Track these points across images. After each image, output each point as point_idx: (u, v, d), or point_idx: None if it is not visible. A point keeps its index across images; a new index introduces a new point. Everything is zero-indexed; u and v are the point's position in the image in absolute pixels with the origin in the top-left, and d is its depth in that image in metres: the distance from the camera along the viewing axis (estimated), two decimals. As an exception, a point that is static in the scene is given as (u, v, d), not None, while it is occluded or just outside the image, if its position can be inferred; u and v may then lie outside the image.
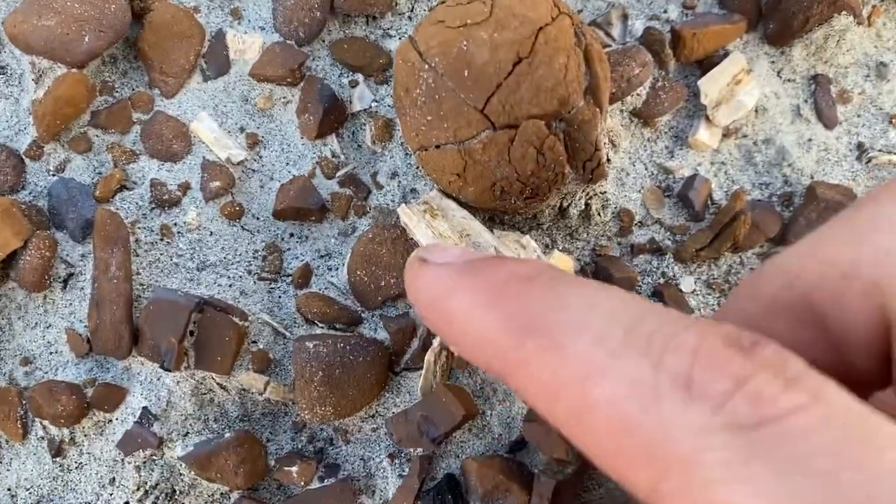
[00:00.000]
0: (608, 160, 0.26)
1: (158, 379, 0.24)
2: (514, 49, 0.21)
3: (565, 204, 0.25)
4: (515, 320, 0.13)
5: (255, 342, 0.24)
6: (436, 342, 0.23)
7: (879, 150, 0.29)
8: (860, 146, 0.29)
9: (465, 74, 0.22)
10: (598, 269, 0.25)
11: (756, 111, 0.27)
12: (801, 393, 0.10)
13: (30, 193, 0.26)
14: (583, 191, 0.25)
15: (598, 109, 0.22)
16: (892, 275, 0.12)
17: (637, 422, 0.11)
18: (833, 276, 0.13)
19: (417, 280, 0.15)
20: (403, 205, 0.23)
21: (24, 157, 0.26)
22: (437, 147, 0.22)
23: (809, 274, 0.13)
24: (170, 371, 0.23)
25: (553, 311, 0.13)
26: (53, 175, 0.26)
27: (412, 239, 0.23)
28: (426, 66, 0.22)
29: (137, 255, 0.25)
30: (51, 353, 0.25)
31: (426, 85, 0.22)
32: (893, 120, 0.29)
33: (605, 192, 0.26)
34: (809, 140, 0.28)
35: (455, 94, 0.22)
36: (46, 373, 0.25)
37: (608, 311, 0.12)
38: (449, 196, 0.24)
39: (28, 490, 0.24)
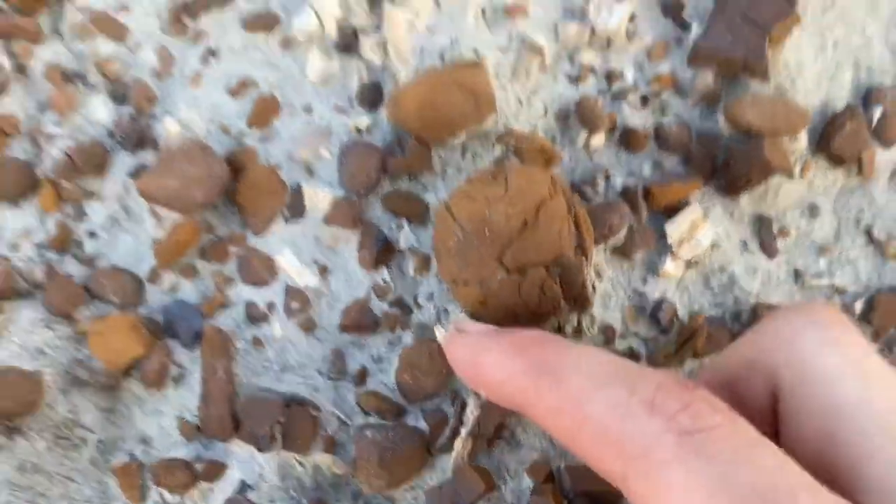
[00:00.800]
0: (594, 289, 0.34)
1: (252, 457, 0.31)
2: (522, 217, 0.29)
3: (562, 324, 0.33)
4: (532, 365, 0.21)
5: (325, 429, 0.32)
6: (463, 431, 0.31)
7: (812, 276, 0.37)
8: (796, 272, 0.36)
9: (486, 234, 0.30)
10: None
11: (712, 246, 0.35)
12: (723, 416, 0.18)
13: (147, 309, 0.34)
14: (575, 314, 0.33)
15: (584, 259, 0.30)
16: (777, 363, 0.20)
17: (614, 430, 0.19)
18: (743, 366, 0.22)
19: (457, 344, 0.23)
20: (438, 325, 0.31)
21: (144, 280, 0.34)
22: (465, 283, 0.30)
23: (731, 367, 0.22)
24: (262, 451, 0.30)
25: (559, 358, 0.21)
26: (167, 295, 0.34)
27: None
28: (458, 227, 0.30)
29: (235, 360, 0.32)
30: (164, 435, 0.33)
31: (457, 240, 0.30)
32: (823, 251, 0.37)
33: (593, 312, 0.34)
34: (755, 268, 0.36)
35: (479, 248, 0.30)
36: (161, 451, 0.33)
37: (597, 360, 0.21)
38: (472, 316, 0.32)
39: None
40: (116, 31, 0.37)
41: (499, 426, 0.31)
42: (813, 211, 0.37)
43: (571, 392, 0.19)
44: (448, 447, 0.31)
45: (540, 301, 0.30)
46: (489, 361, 0.22)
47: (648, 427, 0.17)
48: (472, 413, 0.31)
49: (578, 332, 0.33)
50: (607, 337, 0.34)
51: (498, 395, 0.22)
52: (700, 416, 0.17)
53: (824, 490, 0.16)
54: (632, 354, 0.34)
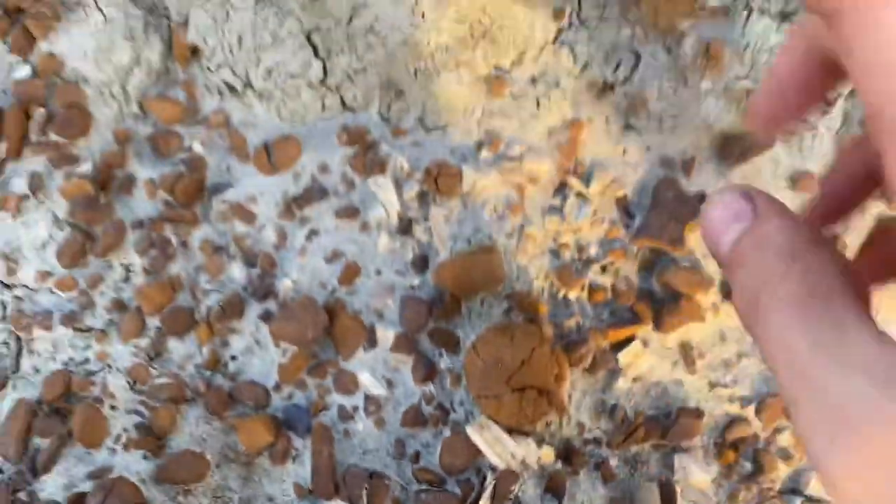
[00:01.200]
0: (570, 399, 0.51)
1: None
2: (521, 358, 0.47)
3: (548, 422, 0.50)
4: None
5: (393, 492, 0.49)
6: (484, 495, 0.47)
7: (721, 386, 0.54)
8: (710, 383, 0.54)
9: (499, 367, 0.47)
10: (565, 454, 0.50)
11: (650, 368, 0.53)
12: None
13: (273, 410, 0.51)
14: (556, 416, 0.50)
15: (561, 383, 0.48)
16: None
17: None
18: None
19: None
20: (469, 425, 0.49)
21: (270, 390, 0.52)
22: (486, 397, 0.48)
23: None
24: None
25: None
26: (286, 401, 0.52)
27: (474, 442, 0.48)
28: (481, 361, 0.48)
29: (333, 446, 0.50)
30: (284, 495, 0.50)
31: (480, 369, 0.48)
32: (729, 367, 0.54)
33: (570, 414, 0.51)
34: (681, 381, 0.53)
35: (494, 375, 0.47)
36: None
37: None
38: (490, 419, 0.49)
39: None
40: (247, 216, 0.55)
41: (507, 493, 0.48)
42: (722, 339, 0.54)
43: None
44: (475, 505, 0.48)
45: (534, 409, 0.47)
46: None
47: None
48: (490, 484, 0.48)
49: (560, 426, 0.50)
50: (580, 430, 0.51)
51: None
52: None
53: None
54: (595, 441, 0.51)
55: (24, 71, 0.54)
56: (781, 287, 0.20)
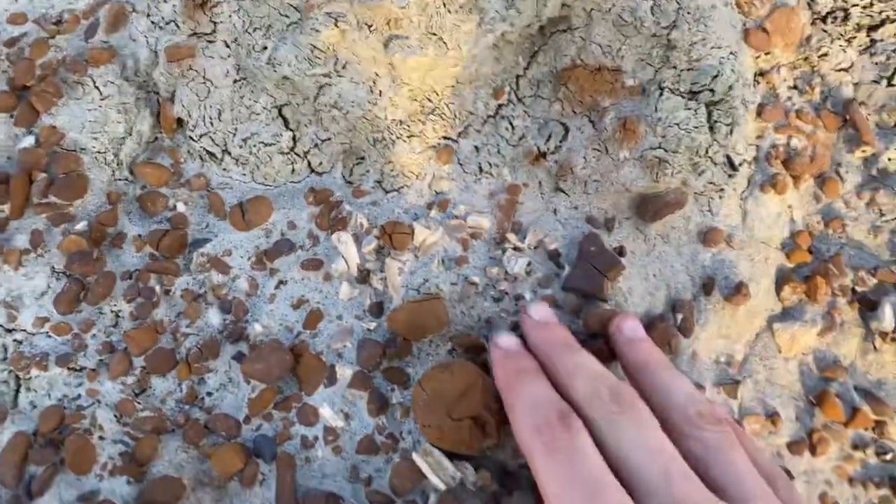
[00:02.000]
0: (502, 427, 0.58)
1: None
2: (459, 391, 0.54)
3: (483, 447, 0.57)
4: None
5: (348, 512, 0.55)
6: (427, 513, 0.54)
7: (639, 417, 0.61)
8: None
9: (440, 400, 0.54)
10: (501, 477, 0.57)
11: (577, 401, 0.60)
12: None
13: (243, 440, 0.58)
14: (491, 441, 0.57)
15: (497, 412, 0.55)
16: None
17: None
18: None
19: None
20: (415, 452, 0.56)
21: (241, 422, 0.59)
22: (429, 426, 0.55)
23: None
24: None
25: None
26: (255, 431, 0.59)
27: (419, 466, 0.55)
28: (425, 395, 0.55)
29: (296, 471, 0.56)
30: None
31: (423, 402, 0.55)
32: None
33: (506, 441, 0.58)
34: (604, 413, 0.61)
35: (436, 407, 0.54)
36: None
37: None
38: (434, 446, 0.56)
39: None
40: (223, 268, 0.62)
41: (448, 510, 0.55)
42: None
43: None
44: (422, 523, 0.55)
45: (471, 436, 0.54)
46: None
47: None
48: (431, 503, 0.55)
49: (495, 450, 0.57)
50: (514, 453, 0.58)
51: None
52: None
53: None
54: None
55: (28, 141, 0.61)
56: None
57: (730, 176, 0.64)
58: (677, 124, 0.61)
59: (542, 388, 0.42)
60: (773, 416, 0.59)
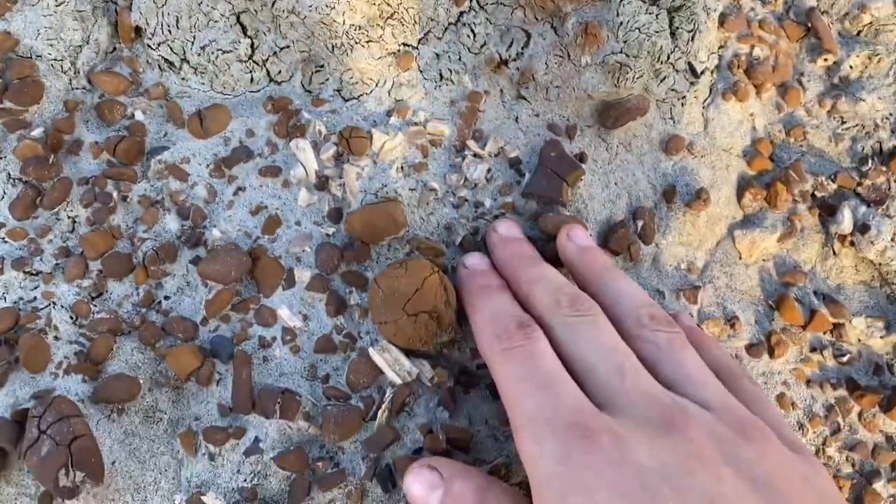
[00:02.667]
0: (460, 326, 0.58)
1: (262, 424, 0.55)
2: (415, 286, 0.54)
3: (439, 342, 0.57)
4: None
5: (304, 407, 0.55)
6: (383, 407, 0.54)
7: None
8: (590, 319, 0.61)
9: (395, 296, 0.54)
10: (460, 376, 0.58)
11: (536, 304, 0.60)
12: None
13: (200, 341, 0.58)
14: (447, 336, 0.57)
15: (449, 308, 0.55)
16: None
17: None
18: None
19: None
20: (371, 348, 0.56)
21: (199, 324, 0.59)
22: (385, 323, 0.55)
23: None
24: (268, 419, 0.54)
25: None
26: (212, 333, 0.58)
27: (376, 362, 0.55)
28: (381, 292, 0.55)
29: (252, 369, 0.57)
30: (209, 414, 0.57)
31: (379, 299, 0.55)
32: (607, 306, 0.62)
33: (465, 342, 0.58)
34: (564, 317, 0.61)
35: (392, 303, 0.54)
36: (207, 423, 0.56)
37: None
38: (390, 342, 0.56)
39: None
40: (181, 175, 0.62)
41: (403, 404, 0.55)
42: (602, 283, 0.61)
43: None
44: (374, 416, 0.55)
45: (426, 331, 0.54)
46: None
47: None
48: (387, 398, 0.55)
49: (450, 346, 0.58)
50: (473, 355, 0.58)
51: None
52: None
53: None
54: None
55: (-19, 46, 0.61)
56: None
57: (691, 83, 0.64)
58: (638, 28, 0.61)
59: (504, 301, 0.44)
60: (732, 320, 0.59)
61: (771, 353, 0.58)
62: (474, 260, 0.51)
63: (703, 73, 0.64)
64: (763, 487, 0.27)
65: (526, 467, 0.31)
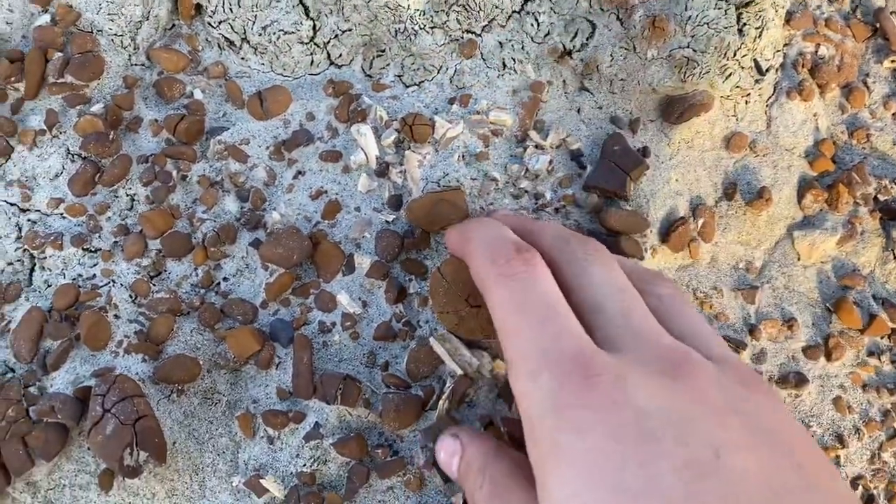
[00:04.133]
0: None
1: (322, 409, 0.55)
2: None
3: None
4: None
5: (364, 394, 0.56)
6: (443, 397, 0.54)
7: (656, 318, 0.61)
8: (647, 315, 0.61)
9: (459, 285, 0.54)
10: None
11: (594, 298, 0.60)
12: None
13: (259, 324, 0.58)
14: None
15: None
16: None
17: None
18: None
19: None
20: (432, 337, 0.56)
21: (258, 307, 0.59)
22: (447, 313, 0.55)
23: None
24: (329, 405, 0.54)
25: None
26: (272, 316, 0.58)
27: (436, 352, 0.55)
28: (444, 281, 0.55)
29: (313, 354, 0.57)
30: (268, 397, 0.57)
31: (442, 288, 0.55)
32: (664, 303, 0.62)
33: None
34: (621, 312, 0.61)
35: (455, 293, 0.54)
36: (265, 406, 0.57)
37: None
38: (451, 332, 0.56)
39: None
40: (240, 156, 0.62)
41: (463, 395, 0.55)
42: (659, 279, 0.61)
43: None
44: (434, 406, 0.55)
45: (489, 323, 0.54)
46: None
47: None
48: (448, 388, 0.55)
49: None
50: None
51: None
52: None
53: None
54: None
55: (43, 19, 0.60)
56: (479, 494, 0.35)
57: (756, 81, 0.63)
58: (707, 23, 0.60)
59: (502, 229, 0.39)
60: (789, 322, 0.59)
61: (828, 356, 0.58)
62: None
63: (768, 70, 0.63)
64: (769, 436, 0.26)
65: (519, 404, 0.29)
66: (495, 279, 0.35)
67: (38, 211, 0.59)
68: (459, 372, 0.54)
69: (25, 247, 0.58)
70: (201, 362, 0.54)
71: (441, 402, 0.54)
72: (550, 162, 0.60)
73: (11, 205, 0.59)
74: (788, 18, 0.63)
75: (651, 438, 0.25)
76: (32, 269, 0.58)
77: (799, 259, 0.60)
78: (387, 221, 0.59)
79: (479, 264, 0.38)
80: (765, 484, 0.23)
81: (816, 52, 0.63)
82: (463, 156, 0.60)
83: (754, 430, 0.26)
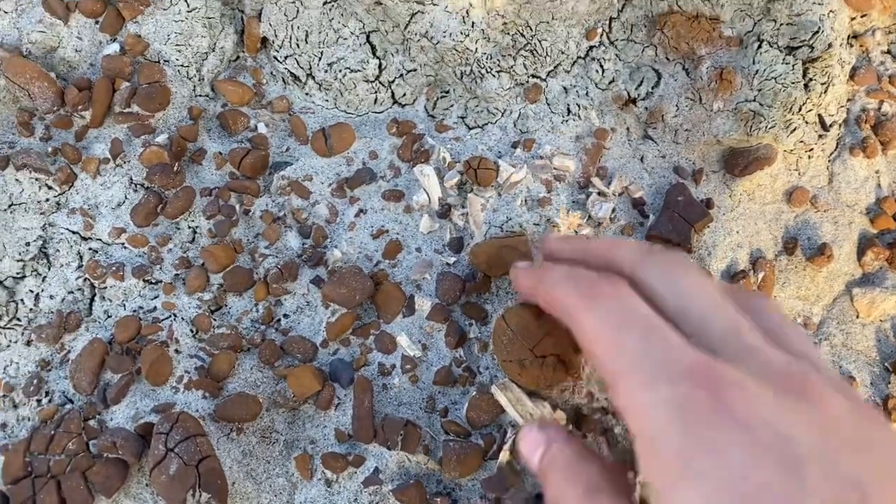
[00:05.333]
0: (582, 369, 0.58)
1: (382, 454, 0.55)
2: (546, 329, 0.54)
3: (563, 389, 0.57)
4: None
5: (424, 440, 0.55)
6: (505, 447, 0.54)
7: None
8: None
9: (525, 335, 0.54)
10: (576, 418, 0.57)
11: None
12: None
13: (318, 363, 0.58)
14: (571, 383, 0.57)
15: (579, 353, 0.55)
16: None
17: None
18: None
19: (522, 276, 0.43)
20: (494, 385, 0.55)
21: (318, 345, 0.59)
22: (510, 362, 0.55)
23: None
24: (390, 450, 0.54)
25: None
26: (332, 356, 0.58)
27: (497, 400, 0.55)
28: (509, 330, 0.55)
29: (373, 397, 0.56)
30: (325, 438, 0.57)
31: (506, 337, 0.55)
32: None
33: (582, 384, 0.58)
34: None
35: (520, 342, 0.54)
36: (322, 448, 0.56)
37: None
38: (513, 381, 0.56)
39: None
40: (303, 192, 0.62)
41: (525, 445, 0.54)
42: (718, 331, 0.61)
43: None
44: (495, 456, 0.55)
45: (553, 374, 0.54)
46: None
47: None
48: (509, 437, 0.55)
49: (572, 393, 0.57)
50: (589, 398, 0.58)
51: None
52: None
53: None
54: (602, 409, 0.58)
55: (112, 48, 0.60)
56: (569, 493, 0.32)
57: (820, 136, 0.63)
58: (774, 78, 0.60)
59: (576, 266, 0.36)
60: (848, 380, 0.58)
61: (888, 416, 0.57)
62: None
63: (832, 126, 0.63)
64: None
65: (631, 419, 0.26)
66: (584, 304, 0.31)
67: (100, 240, 0.59)
68: (521, 421, 0.53)
69: (86, 276, 0.58)
70: (261, 400, 0.54)
71: (503, 452, 0.53)
72: (613, 210, 0.59)
73: (73, 233, 0.59)
74: (852, 74, 0.63)
75: (795, 468, 0.22)
76: (93, 299, 0.58)
77: (858, 317, 0.60)
78: (447, 264, 0.59)
79: (562, 294, 0.33)
80: None
81: (880, 108, 0.63)
82: (526, 200, 0.60)
83: (890, 466, 0.24)
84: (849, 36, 0.64)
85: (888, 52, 0.64)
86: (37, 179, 0.58)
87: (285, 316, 0.58)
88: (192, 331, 0.56)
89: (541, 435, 0.38)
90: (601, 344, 0.29)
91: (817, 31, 0.58)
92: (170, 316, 0.57)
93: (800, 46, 0.58)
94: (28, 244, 0.57)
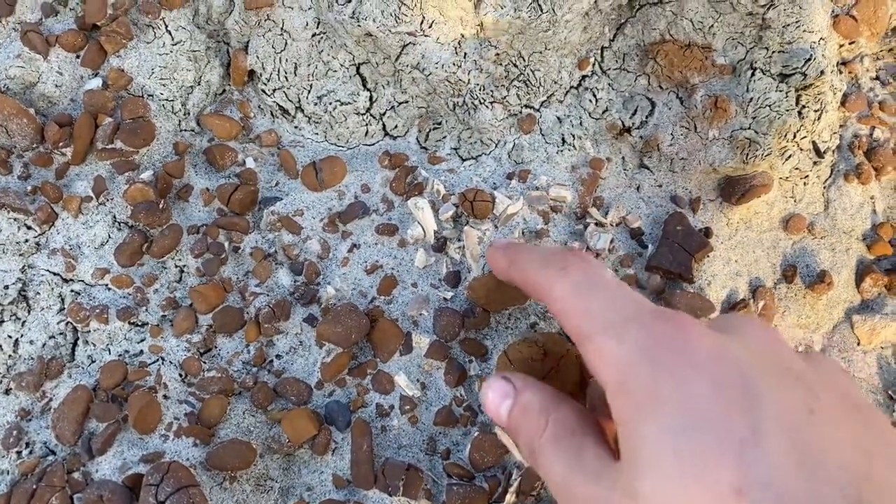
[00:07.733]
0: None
1: (383, 500, 0.53)
2: (551, 365, 0.53)
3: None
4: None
5: (426, 484, 0.53)
6: (510, 490, 0.52)
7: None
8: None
9: (529, 370, 0.53)
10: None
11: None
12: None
13: (314, 405, 0.56)
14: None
15: (584, 388, 0.53)
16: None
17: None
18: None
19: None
20: (497, 428, 0.54)
21: (313, 387, 0.56)
22: None
23: None
24: (391, 496, 0.52)
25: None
26: (327, 397, 0.56)
27: (502, 441, 0.53)
28: (511, 366, 0.53)
29: (372, 440, 0.54)
30: (322, 485, 0.54)
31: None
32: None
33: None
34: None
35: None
36: (319, 495, 0.54)
37: None
38: (516, 420, 0.54)
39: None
40: (294, 228, 0.60)
41: (531, 488, 0.53)
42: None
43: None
44: (501, 499, 0.53)
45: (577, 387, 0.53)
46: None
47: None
48: (515, 480, 0.53)
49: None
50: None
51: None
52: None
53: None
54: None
55: (94, 83, 0.59)
56: (542, 436, 0.31)
57: (815, 163, 0.63)
58: (769, 106, 0.60)
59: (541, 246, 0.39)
60: (852, 408, 0.58)
61: (893, 446, 0.56)
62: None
63: (826, 152, 0.63)
64: (850, 400, 0.27)
65: (603, 374, 0.28)
66: (555, 277, 0.33)
67: (83, 281, 0.56)
68: (527, 464, 0.52)
69: (69, 319, 0.55)
70: (255, 446, 0.52)
71: (508, 495, 0.51)
72: (611, 241, 0.58)
73: (55, 274, 0.56)
74: (843, 101, 0.63)
75: (753, 394, 0.24)
76: (75, 344, 0.55)
77: (859, 344, 0.59)
78: (445, 299, 0.57)
79: (534, 272, 0.35)
80: (850, 437, 0.23)
81: (871, 134, 0.63)
82: (523, 232, 0.59)
83: (836, 393, 0.26)
84: (838, 63, 0.64)
85: (876, 77, 0.65)
86: (15, 219, 0.56)
87: (278, 357, 0.56)
88: (181, 375, 0.54)
89: (506, 384, 0.36)
90: (574, 311, 0.31)
91: (810, 59, 0.58)
92: (157, 360, 0.54)
93: (793, 74, 0.58)
94: (6, 287, 0.55)
